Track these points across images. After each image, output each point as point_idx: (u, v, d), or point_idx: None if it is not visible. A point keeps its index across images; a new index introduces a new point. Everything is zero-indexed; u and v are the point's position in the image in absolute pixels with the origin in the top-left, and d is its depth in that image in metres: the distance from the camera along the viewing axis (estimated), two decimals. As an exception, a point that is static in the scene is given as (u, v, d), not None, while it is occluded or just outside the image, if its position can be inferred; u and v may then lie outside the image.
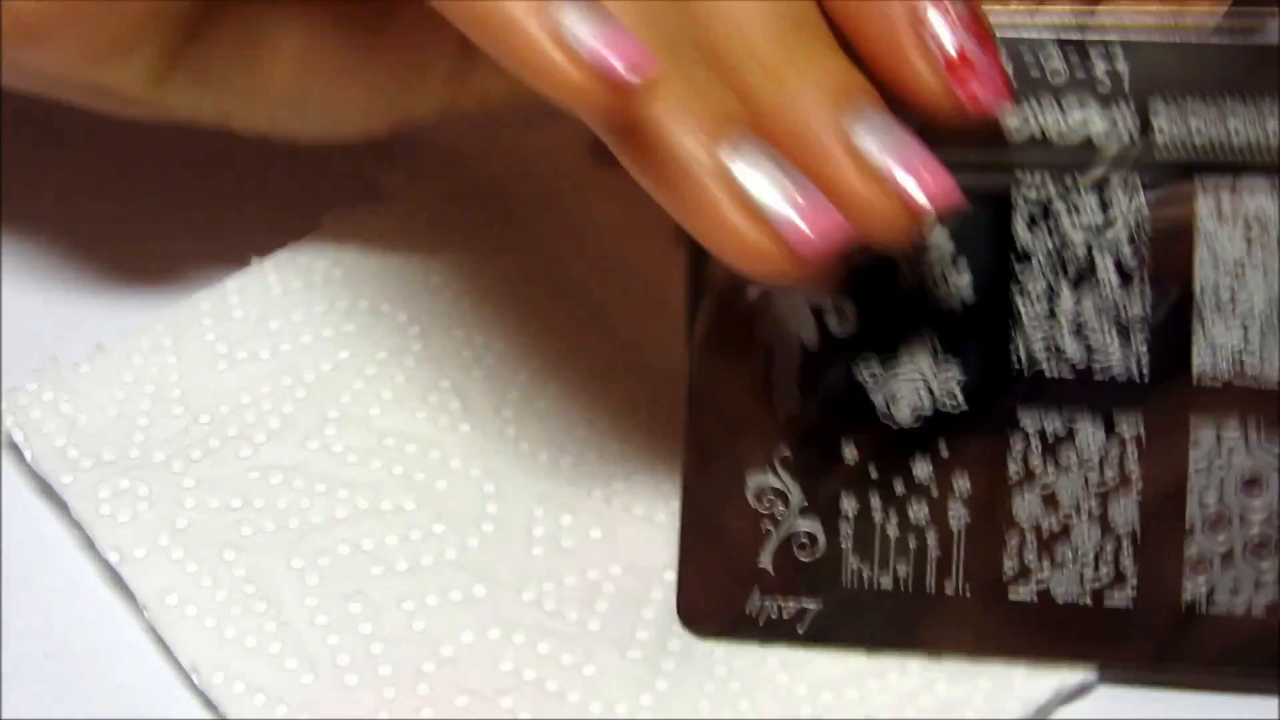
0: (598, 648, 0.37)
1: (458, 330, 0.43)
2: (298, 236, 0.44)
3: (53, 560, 0.40)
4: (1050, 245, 0.36)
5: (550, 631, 0.38)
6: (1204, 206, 0.36)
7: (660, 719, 0.36)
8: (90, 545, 0.39)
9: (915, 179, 0.33)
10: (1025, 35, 0.36)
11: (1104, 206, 0.36)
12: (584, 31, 0.31)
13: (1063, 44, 0.36)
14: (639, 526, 0.39)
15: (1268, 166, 0.35)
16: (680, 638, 0.38)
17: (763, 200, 0.32)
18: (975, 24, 0.33)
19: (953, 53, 0.33)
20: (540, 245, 0.44)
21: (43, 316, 0.44)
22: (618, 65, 0.30)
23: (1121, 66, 0.36)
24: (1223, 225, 0.36)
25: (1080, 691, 0.38)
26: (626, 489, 0.40)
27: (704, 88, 0.33)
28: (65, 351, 0.42)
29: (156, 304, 0.43)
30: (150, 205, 0.47)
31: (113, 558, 0.39)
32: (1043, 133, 0.36)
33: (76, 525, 0.39)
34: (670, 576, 0.38)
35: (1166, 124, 0.36)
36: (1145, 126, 0.36)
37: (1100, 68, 0.36)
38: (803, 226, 0.32)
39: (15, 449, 0.41)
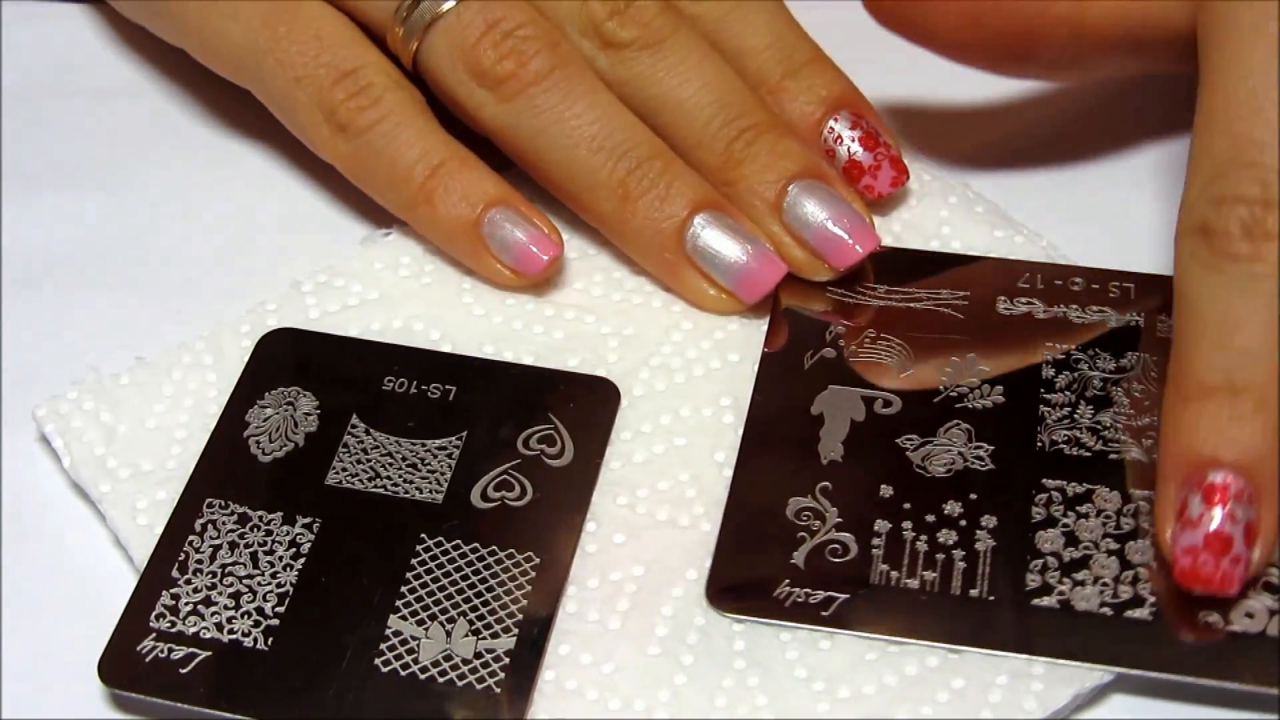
0: (617, 646, 0.38)
1: (488, 346, 0.44)
2: (335, 260, 0.46)
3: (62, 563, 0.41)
4: (1071, 379, 0.42)
5: (570, 633, 0.38)
6: None
7: (677, 716, 0.37)
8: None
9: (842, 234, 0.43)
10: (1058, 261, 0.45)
11: (1117, 357, 0.42)
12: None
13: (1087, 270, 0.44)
14: (663, 531, 0.40)
15: None
16: (699, 631, 0.38)
17: (720, 261, 0.43)
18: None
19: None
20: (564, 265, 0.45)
21: (84, 328, 0.45)
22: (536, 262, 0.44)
23: (1128, 284, 0.44)
24: None
25: (1097, 696, 0.37)
26: (651, 495, 0.40)
27: (676, 179, 0.44)
28: (106, 363, 0.43)
29: (196, 321, 0.44)
30: (191, 224, 0.48)
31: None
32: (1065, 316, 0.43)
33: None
34: (693, 575, 0.39)
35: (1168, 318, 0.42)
36: (1150, 323, 0.43)
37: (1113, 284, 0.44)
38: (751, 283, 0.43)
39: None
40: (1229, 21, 0.39)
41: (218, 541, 0.39)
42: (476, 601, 0.38)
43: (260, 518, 0.40)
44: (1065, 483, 0.40)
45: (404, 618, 0.38)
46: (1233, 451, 0.37)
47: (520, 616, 0.38)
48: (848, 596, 0.38)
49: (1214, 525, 0.36)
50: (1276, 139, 0.37)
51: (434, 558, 0.39)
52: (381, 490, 0.40)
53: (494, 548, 0.39)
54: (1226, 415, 0.37)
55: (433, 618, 0.38)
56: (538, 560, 0.39)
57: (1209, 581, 0.36)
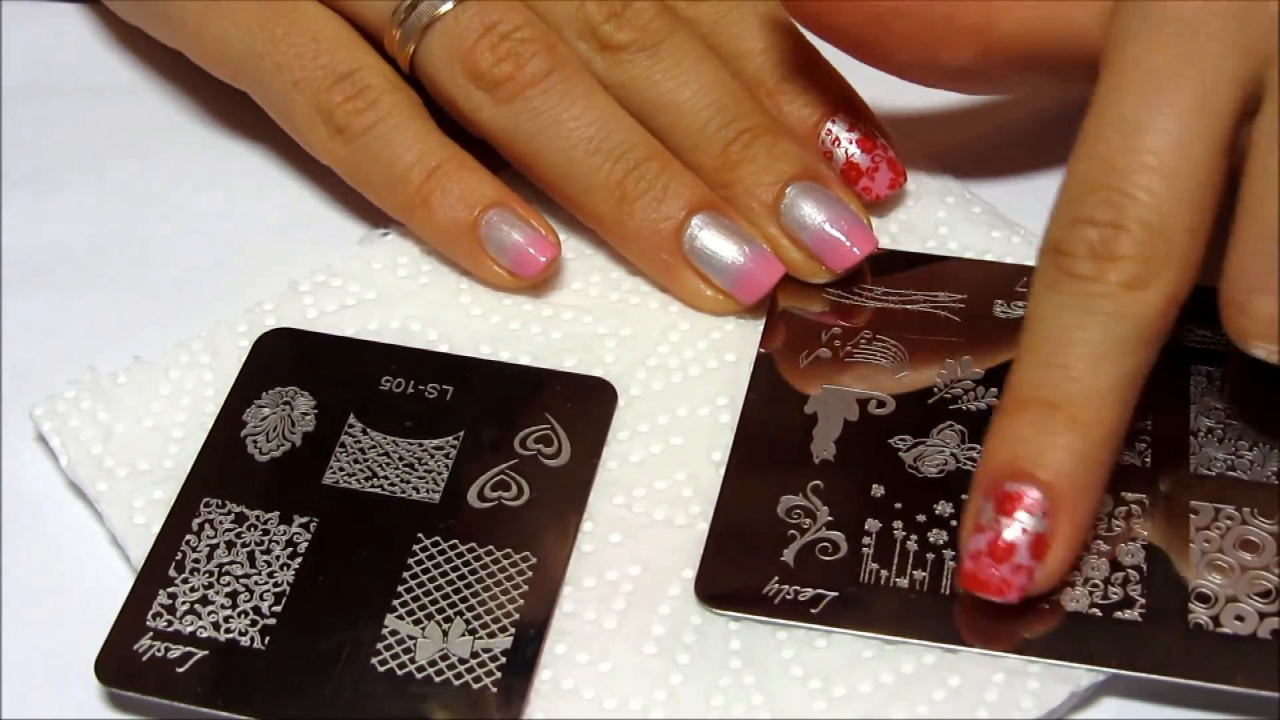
0: (613, 645, 0.38)
1: (484, 346, 0.44)
2: (333, 260, 0.46)
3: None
4: None
5: (566, 633, 0.38)
6: (1195, 382, 0.42)
7: (674, 715, 0.37)
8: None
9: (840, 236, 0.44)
10: None
11: None
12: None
13: None
14: (659, 530, 0.40)
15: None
16: (696, 631, 0.38)
17: (717, 262, 0.43)
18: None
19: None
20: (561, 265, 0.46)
21: (82, 327, 0.45)
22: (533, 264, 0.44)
23: None
24: (1213, 388, 0.41)
25: (1090, 698, 0.37)
26: (648, 495, 0.40)
27: (674, 180, 0.44)
28: (103, 363, 0.43)
29: (194, 321, 0.45)
30: (190, 224, 0.48)
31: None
32: None
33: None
34: (689, 574, 0.39)
35: None
36: None
37: None
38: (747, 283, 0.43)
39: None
40: (1117, 48, 0.38)
41: (215, 541, 0.39)
42: (473, 601, 0.38)
43: (257, 517, 0.40)
44: None
45: (401, 617, 0.38)
46: (1035, 464, 0.36)
47: (517, 616, 0.38)
48: (837, 594, 0.38)
49: (998, 532, 0.36)
50: (1140, 167, 0.36)
51: (430, 557, 0.39)
52: (378, 490, 0.40)
53: (490, 547, 0.39)
54: (1036, 429, 0.37)
55: (429, 617, 0.38)
56: (534, 560, 0.39)
57: (985, 587, 0.36)
